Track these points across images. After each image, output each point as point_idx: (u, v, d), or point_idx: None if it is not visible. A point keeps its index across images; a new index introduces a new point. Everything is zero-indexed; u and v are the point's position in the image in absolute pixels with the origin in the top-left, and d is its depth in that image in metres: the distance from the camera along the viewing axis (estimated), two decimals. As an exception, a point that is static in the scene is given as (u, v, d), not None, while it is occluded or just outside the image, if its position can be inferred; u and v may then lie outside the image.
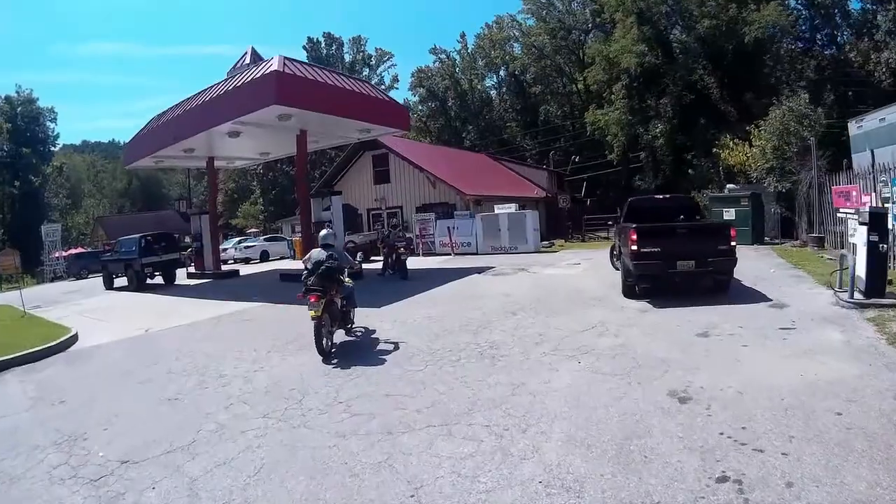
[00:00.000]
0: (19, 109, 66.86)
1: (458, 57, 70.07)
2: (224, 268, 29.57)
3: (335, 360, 8.98)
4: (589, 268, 18.87)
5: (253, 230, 55.77)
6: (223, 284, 23.17)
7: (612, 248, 17.13)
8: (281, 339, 10.97)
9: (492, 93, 71.03)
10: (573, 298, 12.82)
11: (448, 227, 27.60)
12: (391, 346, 9.64)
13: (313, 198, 21.42)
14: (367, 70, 75.27)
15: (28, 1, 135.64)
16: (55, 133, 71.93)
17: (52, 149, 71.96)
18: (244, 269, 29.70)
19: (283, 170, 61.65)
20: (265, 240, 40.58)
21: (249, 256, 37.09)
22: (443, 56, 70.02)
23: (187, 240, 37.84)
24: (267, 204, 63.74)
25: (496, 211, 27.72)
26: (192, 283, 24.83)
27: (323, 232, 10.53)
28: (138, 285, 23.84)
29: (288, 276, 21.39)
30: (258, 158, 30.93)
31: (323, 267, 9.15)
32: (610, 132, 48.15)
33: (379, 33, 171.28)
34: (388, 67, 78.46)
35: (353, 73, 62.82)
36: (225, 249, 37.58)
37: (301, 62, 20.29)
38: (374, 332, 10.98)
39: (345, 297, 10.01)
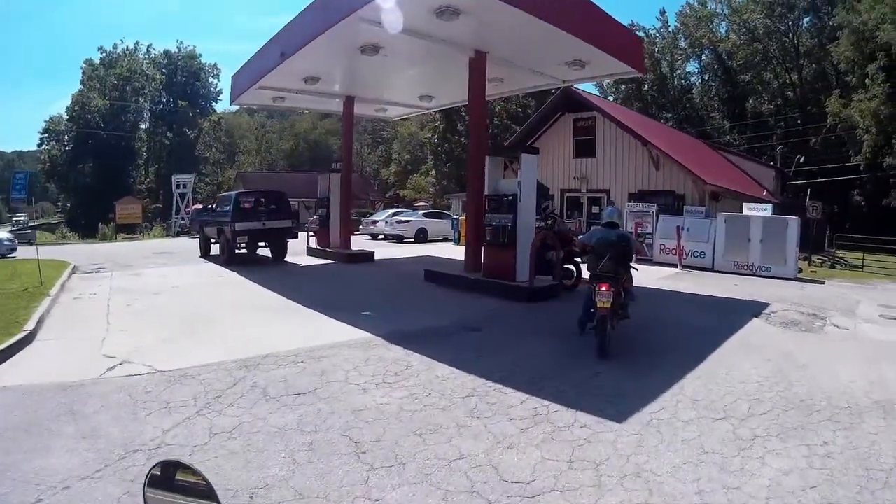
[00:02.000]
0: (179, 64, 68.61)
1: (658, 35, 62.87)
2: (363, 244, 24.09)
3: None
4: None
5: (422, 203, 50.03)
6: (341, 273, 16.88)
7: None
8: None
9: (693, 79, 64.08)
10: None
11: (677, 227, 19.19)
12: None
13: (491, 157, 13.53)
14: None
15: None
16: (217, 89, 73.18)
17: (214, 104, 73.28)
18: (385, 252, 22.83)
19: (461, 142, 56.07)
20: (424, 215, 32.64)
21: (402, 234, 30.01)
22: (641, 34, 62.42)
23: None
24: (440, 177, 58.45)
25: (746, 212, 19.15)
26: (303, 264, 18.85)
27: (608, 209, 9.03)
28: (228, 257, 18.43)
29: (436, 276, 14.27)
30: (419, 106, 23.08)
31: (619, 248, 8.09)
32: (864, 124, 39.32)
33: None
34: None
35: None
36: (375, 222, 31.88)
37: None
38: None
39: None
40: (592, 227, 9.41)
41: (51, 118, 61.51)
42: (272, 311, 10.93)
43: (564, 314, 9.92)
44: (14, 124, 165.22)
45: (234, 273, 16.28)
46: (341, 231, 20.22)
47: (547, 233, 12.19)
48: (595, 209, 24.75)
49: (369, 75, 17.15)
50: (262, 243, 19.21)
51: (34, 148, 64.86)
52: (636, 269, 8.79)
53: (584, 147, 26.17)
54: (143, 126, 65.86)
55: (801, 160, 43.11)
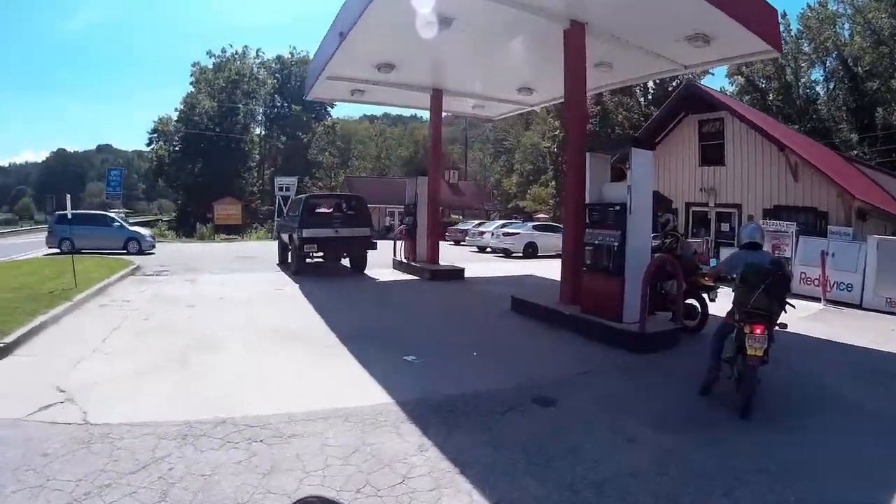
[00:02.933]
0: (293, 69, 67.88)
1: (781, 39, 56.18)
2: (468, 257, 22.38)
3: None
4: None
5: (541, 215, 47.32)
6: (416, 294, 14.50)
7: None
8: None
9: (818, 88, 57.43)
10: None
11: (822, 252, 15.24)
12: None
13: (593, 155, 10.36)
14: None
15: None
16: None
17: (329, 109, 71.40)
18: (483, 268, 20.23)
19: (580, 150, 53.11)
20: (535, 228, 28.61)
21: (509, 248, 26.87)
22: (763, 37, 57.02)
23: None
24: (560, 189, 55.54)
25: (904, 234, 14.96)
26: (381, 279, 16.55)
27: (749, 226, 7.14)
28: (296, 267, 16.84)
29: (524, 306, 11.45)
30: (519, 102, 19.84)
31: (774, 277, 6.08)
32: None
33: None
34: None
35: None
36: (482, 233, 29.21)
37: None
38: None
39: None
40: (732, 252, 7.43)
41: (159, 119, 62.14)
42: (299, 342, 8.72)
43: (686, 375, 6.98)
44: (134, 125, 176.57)
45: (296, 286, 14.52)
46: (428, 242, 17.79)
47: (665, 257, 9.05)
48: (724, 227, 21.28)
49: (453, 62, 14.83)
50: (342, 254, 17.49)
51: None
52: (793, 307, 6.54)
53: (712, 154, 22.53)
54: (257, 129, 66.30)
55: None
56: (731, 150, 21.67)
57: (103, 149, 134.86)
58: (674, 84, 35.86)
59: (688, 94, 22.04)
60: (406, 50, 13.55)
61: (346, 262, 18.07)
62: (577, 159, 10.48)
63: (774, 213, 19.52)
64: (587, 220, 9.85)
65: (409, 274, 17.40)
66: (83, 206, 51.60)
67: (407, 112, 59.20)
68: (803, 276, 15.84)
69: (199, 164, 56.70)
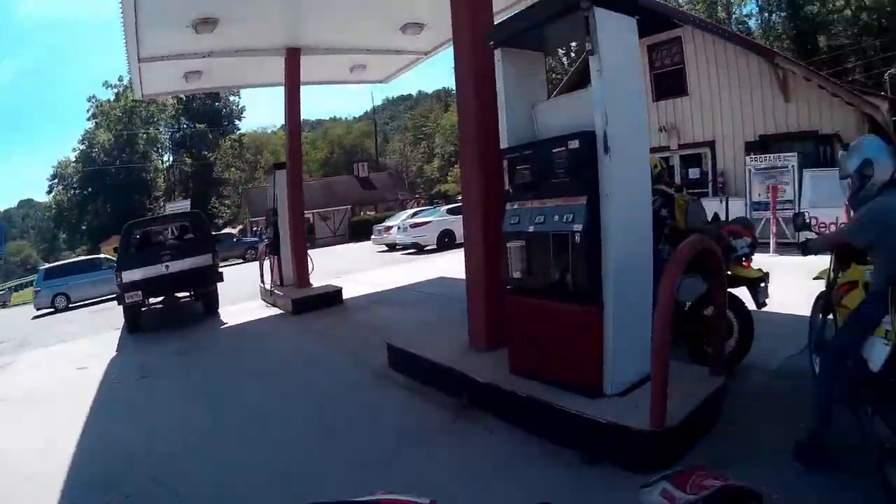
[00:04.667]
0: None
1: (711, -25, 55.44)
2: (378, 259, 19.94)
3: None
4: None
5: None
6: (258, 349, 9.05)
7: None
8: None
9: (750, 23, 54.02)
10: None
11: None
12: None
13: (507, 49, 5.01)
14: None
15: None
16: (240, 107, 64.03)
17: (237, 122, 64.90)
18: (379, 276, 14.90)
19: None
20: (449, 211, 22.43)
21: (419, 242, 21.59)
22: (681, -28, 55.49)
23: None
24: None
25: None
26: (228, 324, 11.33)
27: None
28: (129, 324, 11.75)
29: (407, 363, 6.10)
30: (410, 51, 13.58)
31: None
32: None
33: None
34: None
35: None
36: (388, 228, 23.80)
37: None
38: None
39: None
40: (870, 203, 3.56)
41: (58, 162, 55.56)
42: None
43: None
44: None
45: (108, 358, 9.66)
46: (293, 258, 12.35)
47: (702, 239, 3.94)
48: (693, 173, 16.86)
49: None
50: (184, 293, 12.23)
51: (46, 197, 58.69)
52: None
53: (669, 83, 17.82)
54: (164, 155, 59.78)
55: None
56: (694, 76, 17.23)
57: (24, 204, 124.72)
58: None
59: (633, 10, 17.33)
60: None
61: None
62: (475, 65, 5.41)
63: (762, 145, 15.69)
64: (507, 186, 4.72)
65: (273, 306, 12.21)
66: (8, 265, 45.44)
67: (326, 114, 52.31)
68: (815, 221, 11.68)
69: (99, 203, 51.08)
